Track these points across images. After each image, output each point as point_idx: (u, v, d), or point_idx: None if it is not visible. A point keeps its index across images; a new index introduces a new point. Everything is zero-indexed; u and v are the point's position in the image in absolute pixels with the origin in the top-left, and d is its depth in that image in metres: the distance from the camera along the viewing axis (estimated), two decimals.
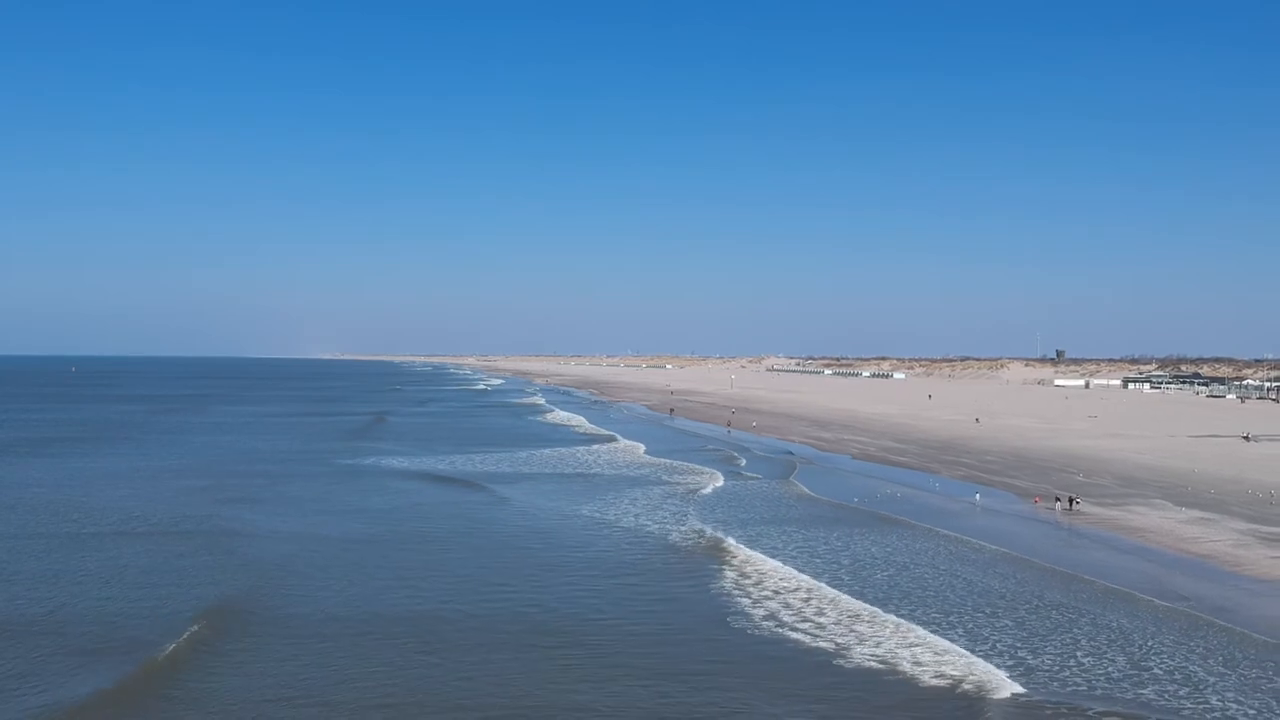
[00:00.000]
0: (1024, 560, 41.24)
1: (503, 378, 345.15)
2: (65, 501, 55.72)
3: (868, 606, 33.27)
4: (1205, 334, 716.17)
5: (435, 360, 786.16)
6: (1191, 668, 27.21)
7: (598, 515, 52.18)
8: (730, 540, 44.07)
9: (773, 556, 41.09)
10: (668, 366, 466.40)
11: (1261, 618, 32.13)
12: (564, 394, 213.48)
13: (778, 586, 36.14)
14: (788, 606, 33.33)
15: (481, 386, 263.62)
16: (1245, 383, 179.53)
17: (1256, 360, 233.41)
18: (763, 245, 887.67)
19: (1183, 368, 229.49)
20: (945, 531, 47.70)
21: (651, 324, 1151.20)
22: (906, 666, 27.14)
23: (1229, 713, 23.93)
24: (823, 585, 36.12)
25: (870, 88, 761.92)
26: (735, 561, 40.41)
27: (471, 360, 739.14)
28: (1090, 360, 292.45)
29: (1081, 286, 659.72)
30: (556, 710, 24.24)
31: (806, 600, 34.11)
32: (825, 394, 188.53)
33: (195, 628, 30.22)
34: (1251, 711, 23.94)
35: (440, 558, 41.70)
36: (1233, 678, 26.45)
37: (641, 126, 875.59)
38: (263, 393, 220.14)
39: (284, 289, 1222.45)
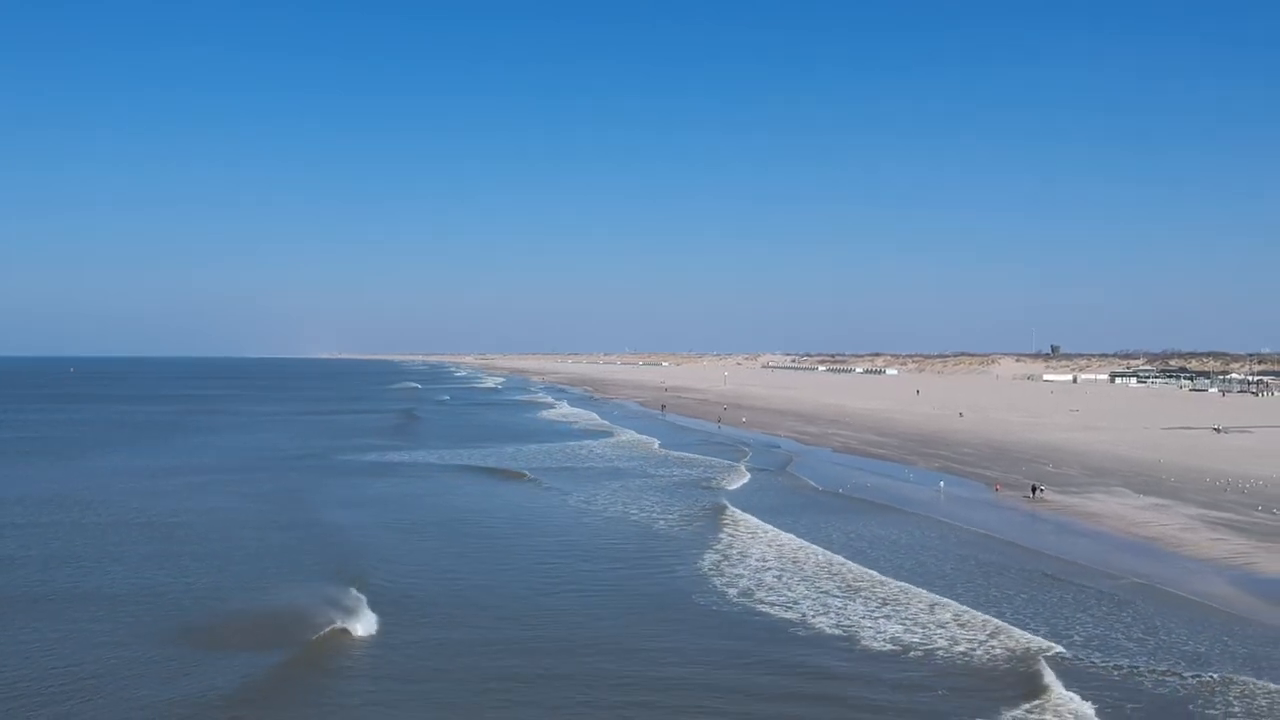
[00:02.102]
0: (978, 535, 44.15)
1: (503, 376, 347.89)
2: (151, 497, 57.96)
3: (852, 563, 37.25)
4: (1205, 329, 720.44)
5: (433, 359, 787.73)
6: (1113, 635, 29.93)
7: (647, 508, 54.45)
8: (753, 517, 49.94)
9: (784, 529, 46.86)
10: (664, 364, 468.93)
11: (1192, 590, 34.90)
12: (561, 391, 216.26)
13: (792, 548, 42.50)
14: (795, 560, 39.55)
15: (490, 385, 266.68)
16: (1229, 377, 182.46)
17: (1250, 354, 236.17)
18: (762, 243, 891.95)
19: (1170, 362, 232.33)
20: (912, 513, 50.78)
21: (650, 322, 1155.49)
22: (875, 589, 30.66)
23: (1136, 668, 26.63)
24: (815, 546, 42.39)
25: (868, 86, 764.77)
26: (763, 533, 45.93)
27: (470, 359, 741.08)
28: (1082, 355, 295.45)
29: (1080, 283, 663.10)
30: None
31: (805, 553, 39.33)
32: (816, 390, 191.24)
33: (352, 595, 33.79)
34: (1162, 668, 26.62)
35: (563, 539, 45.90)
36: (1151, 642, 29.16)
37: (641, 126, 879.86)
38: (283, 392, 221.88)
39: (284, 289, 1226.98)
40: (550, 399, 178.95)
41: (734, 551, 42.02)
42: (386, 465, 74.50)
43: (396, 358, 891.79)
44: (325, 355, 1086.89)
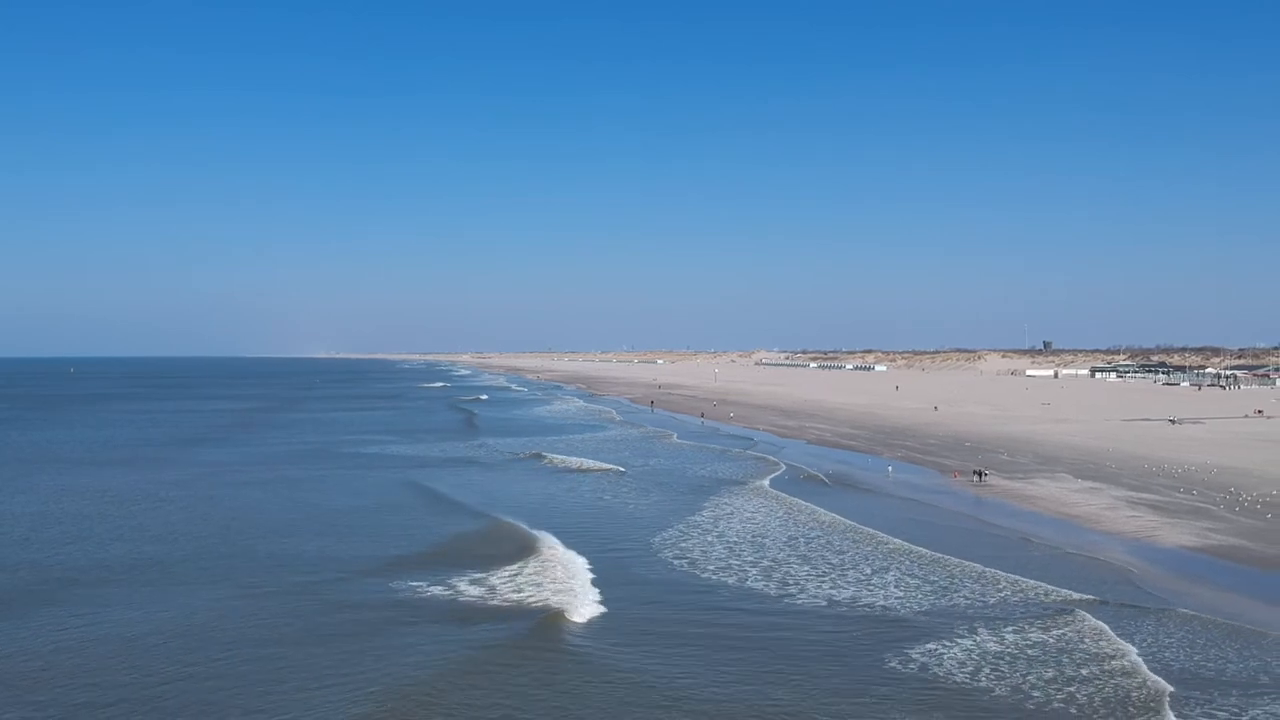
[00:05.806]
0: (924, 505, 49.25)
1: (505, 375, 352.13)
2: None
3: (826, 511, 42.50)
4: (1203, 325, 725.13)
5: (430, 358, 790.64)
6: (1014, 591, 34.79)
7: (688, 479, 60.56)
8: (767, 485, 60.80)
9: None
10: (659, 362, 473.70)
11: (1092, 555, 39.82)
12: (558, 388, 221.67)
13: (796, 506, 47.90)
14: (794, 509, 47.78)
15: (502, 383, 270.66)
16: (1204, 371, 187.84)
17: (1243, 349, 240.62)
18: (757, 241, 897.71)
19: (1153, 357, 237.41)
20: (871, 491, 55.95)
21: (645, 321, 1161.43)
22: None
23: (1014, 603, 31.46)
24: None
25: (868, 85, 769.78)
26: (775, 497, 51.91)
27: (467, 358, 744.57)
28: (1070, 351, 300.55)
29: (1076, 279, 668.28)
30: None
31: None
32: (803, 386, 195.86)
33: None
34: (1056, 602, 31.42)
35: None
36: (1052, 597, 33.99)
37: (637, 125, 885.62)
38: (320, 390, 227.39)
39: (281, 289, 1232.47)
40: (560, 396, 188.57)
41: (725, 515, 47.70)
42: (486, 459, 79.09)
43: (394, 357, 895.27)
44: (323, 355, 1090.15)
